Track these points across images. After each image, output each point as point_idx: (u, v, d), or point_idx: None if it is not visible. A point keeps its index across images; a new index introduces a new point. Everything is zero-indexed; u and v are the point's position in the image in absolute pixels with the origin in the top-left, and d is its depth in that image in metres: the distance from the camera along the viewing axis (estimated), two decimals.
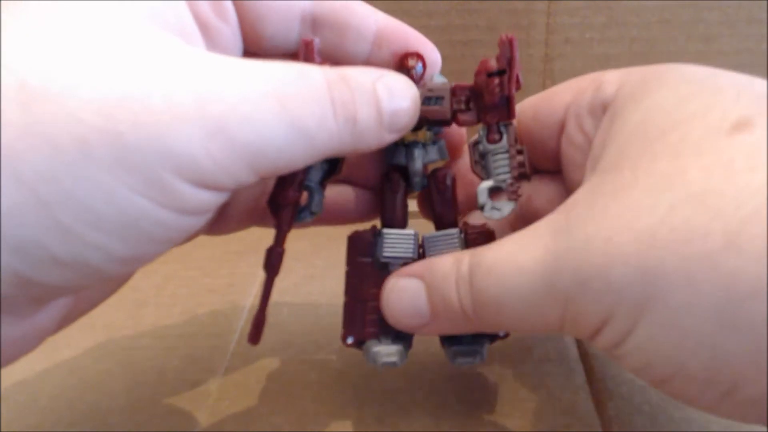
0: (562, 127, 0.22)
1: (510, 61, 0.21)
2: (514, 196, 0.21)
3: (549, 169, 0.24)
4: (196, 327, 0.32)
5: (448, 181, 0.24)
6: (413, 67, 0.22)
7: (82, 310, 0.20)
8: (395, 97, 0.19)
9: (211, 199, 0.17)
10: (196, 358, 0.30)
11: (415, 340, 0.24)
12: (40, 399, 0.27)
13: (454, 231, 0.23)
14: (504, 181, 0.22)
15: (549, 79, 0.39)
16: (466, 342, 0.23)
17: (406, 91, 0.20)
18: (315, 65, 0.19)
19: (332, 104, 0.18)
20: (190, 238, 0.22)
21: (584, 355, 0.29)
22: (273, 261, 0.22)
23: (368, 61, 0.22)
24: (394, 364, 0.23)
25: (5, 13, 0.15)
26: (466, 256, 0.20)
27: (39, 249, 0.14)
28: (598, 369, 0.28)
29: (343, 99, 0.18)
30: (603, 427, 0.25)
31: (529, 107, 0.23)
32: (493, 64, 0.21)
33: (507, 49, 0.21)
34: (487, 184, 0.22)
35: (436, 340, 0.24)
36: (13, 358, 0.18)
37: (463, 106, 0.22)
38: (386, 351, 0.23)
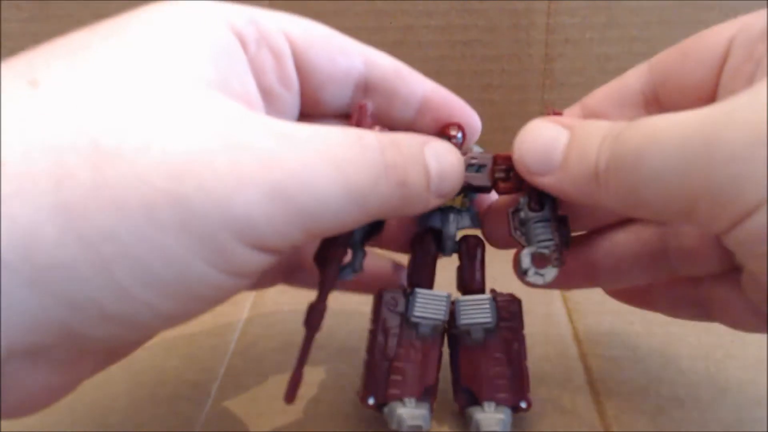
0: (722, 63, 0.20)
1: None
2: (559, 263, 0.22)
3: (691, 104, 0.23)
4: (196, 327, 0.32)
5: (479, 249, 0.24)
6: (454, 137, 0.22)
7: (119, 356, 0.20)
8: (442, 163, 0.20)
9: (264, 261, 0.17)
10: (196, 358, 0.30)
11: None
12: None
13: (486, 297, 0.23)
14: (548, 248, 0.22)
15: (549, 79, 0.39)
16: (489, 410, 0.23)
17: (452, 157, 0.20)
18: (368, 130, 0.19)
19: (385, 168, 0.18)
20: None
21: (584, 355, 0.29)
22: (315, 319, 0.22)
23: (412, 126, 0.23)
24: (419, 428, 0.22)
25: (71, 66, 0.15)
26: (623, 124, 0.18)
27: (91, 304, 0.14)
28: (598, 369, 0.28)
29: (395, 162, 0.18)
30: (603, 427, 0.25)
31: (675, 50, 0.22)
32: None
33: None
34: (530, 250, 0.22)
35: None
36: (51, 402, 0.18)
37: (503, 175, 0.22)
38: (411, 414, 0.22)
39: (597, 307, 0.33)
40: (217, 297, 0.17)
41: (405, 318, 0.23)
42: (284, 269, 0.26)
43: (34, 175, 0.13)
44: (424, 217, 0.24)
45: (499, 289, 0.25)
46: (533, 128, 0.20)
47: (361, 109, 0.21)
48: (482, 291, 0.24)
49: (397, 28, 0.37)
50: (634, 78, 0.22)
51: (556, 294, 0.34)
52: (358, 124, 0.21)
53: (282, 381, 0.28)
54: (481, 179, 0.22)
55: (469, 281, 0.24)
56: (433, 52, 0.38)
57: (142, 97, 0.15)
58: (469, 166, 0.22)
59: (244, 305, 0.34)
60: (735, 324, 0.22)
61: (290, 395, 0.21)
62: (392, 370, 0.22)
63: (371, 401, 0.22)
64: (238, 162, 0.15)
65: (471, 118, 0.23)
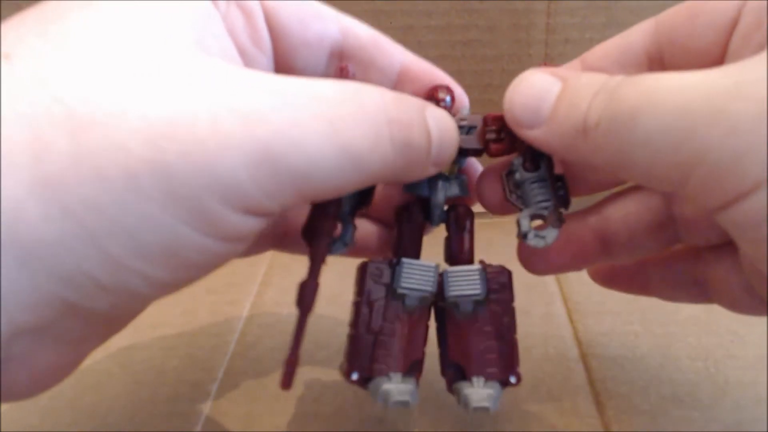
0: (731, 27, 0.19)
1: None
2: (559, 223, 0.21)
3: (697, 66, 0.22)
4: (196, 327, 0.32)
5: (468, 219, 0.23)
6: (443, 99, 0.22)
7: (121, 326, 0.20)
8: (441, 129, 0.19)
9: (255, 225, 0.16)
10: (196, 358, 0.30)
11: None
12: (40, 399, 0.27)
13: (476, 268, 0.22)
14: (546, 208, 0.21)
15: None
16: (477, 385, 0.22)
17: (449, 123, 0.20)
18: (370, 85, 0.18)
19: (389, 125, 0.17)
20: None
21: (584, 355, 0.29)
22: (307, 297, 0.21)
23: None
24: (406, 403, 0.21)
25: (44, 37, 0.15)
26: (618, 77, 0.17)
27: (84, 277, 0.14)
28: (598, 369, 0.28)
29: (400, 118, 0.17)
30: (603, 427, 0.25)
31: (684, 8, 0.20)
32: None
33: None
34: (528, 212, 0.21)
35: (435, 337, 0.24)
36: (58, 380, 0.18)
37: (494, 136, 0.21)
38: (398, 389, 0.21)
39: (597, 307, 0.33)
40: (210, 262, 0.17)
41: (391, 290, 0.22)
42: (273, 235, 0.25)
43: (10, 149, 0.13)
44: (411, 186, 0.22)
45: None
46: (525, 78, 0.19)
47: (342, 71, 0.21)
48: (471, 262, 0.23)
49: (397, 28, 0.37)
50: (639, 35, 0.21)
51: (556, 294, 0.34)
52: None
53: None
54: (471, 141, 0.21)
55: (458, 252, 0.23)
56: (433, 52, 0.38)
57: (119, 62, 0.15)
58: (459, 128, 0.21)
59: (244, 305, 0.34)
60: (733, 304, 0.22)
61: (286, 380, 0.20)
62: (377, 344, 0.21)
63: (355, 376, 0.21)
64: (220, 123, 0.14)
65: (454, 87, 0.23)
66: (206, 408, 0.27)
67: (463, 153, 0.22)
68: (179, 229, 0.15)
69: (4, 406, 0.27)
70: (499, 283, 0.22)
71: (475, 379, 0.22)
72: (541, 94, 0.19)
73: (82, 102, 0.14)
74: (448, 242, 0.23)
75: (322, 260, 0.21)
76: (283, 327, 0.32)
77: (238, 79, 0.16)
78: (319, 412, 0.26)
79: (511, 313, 0.22)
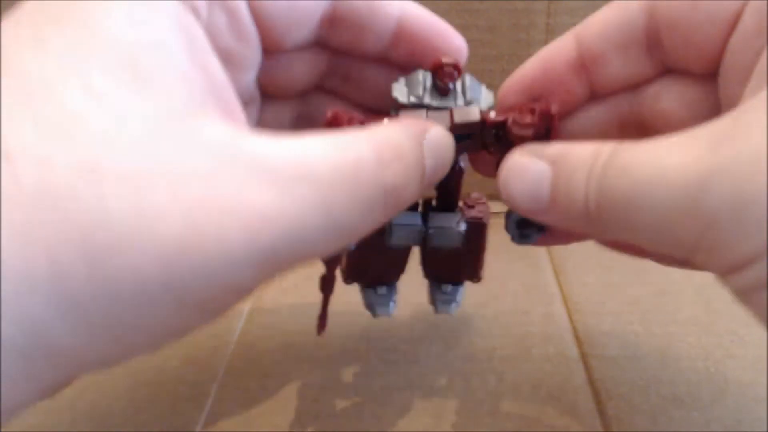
0: (732, 24, 0.18)
1: (549, 133, 0.20)
2: (541, 229, 0.22)
3: (691, 69, 0.20)
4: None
5: (459, 166, 0.23)
6: (449, 76, 0.21)
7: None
8: (438, 158, 0.19)
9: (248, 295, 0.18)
10: (196, 358, 0.30)
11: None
12: None
13: (458, 231, 0.23)
14: None
15: None
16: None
17: (447, 149, 0.20)
18: (364, 140, 0.18)
19: (384, 196, 0.17)
20: None
21: (584, 355, 0.29)
22: (327, 287, 0.23)
23: (385, 58, 0.22)
24: (387, 314, 0.26)
25: (38, 127, 0.14)
26: (608, 147, 0.17)
27: (99, 363, 0.16)
28: (598, 369, 0.28)
29: (395, 185, 0.17)
30: (603, 427, 0.25)
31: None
32: (522, 120, 0.20)
33: (548, 120, 0.20)
34: (515, 217, 0.22)
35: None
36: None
37: (493, 140, 0.21)
38: (379, 303, 0.26)
39: (597, 307, 0.33)
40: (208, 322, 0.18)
41: (382, 234, 0.23)
42: None
43: (30, 273, 0.14)
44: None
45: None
46: (515, 168, 0.19)
47: (334, 120, 0.20)
48: (454, 208, 0.24)
49: None
50: (637, 12, 0.20)
51: (556, 294, 0.34)
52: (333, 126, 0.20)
53: (282, 381, 0.28)
54: (470, 148, 0.22)
55: (443, 196, 0.24)
56: None
57: (123, 171, 0.14)
58: (457, 136, 0.21)
59: (244, 305, 0.34)
60: None
61: (320, 328, 0.24)
62: (368, 265, 0.25)
63: (350, 282, 0.25)
64: (226, 236, 0.15)
65: (453, 44, 0.22)
66: (206, 408, 0.27)
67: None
68: (186, 320, 0.16)
69: None
70: (474, 234, 0.24)
71: (443, 286, 0.26)
72: (534, 183, 0.19)
73: (97, 229, 0.14)
74: (439, 191, 0.24)
75: (338, 258, 0.23)
76: (283, 327, 0.32)
77: (235, 170, 0.15)
78: (319, 412, 0.26)
79: (482, 246, 0.25)
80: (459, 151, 0.21)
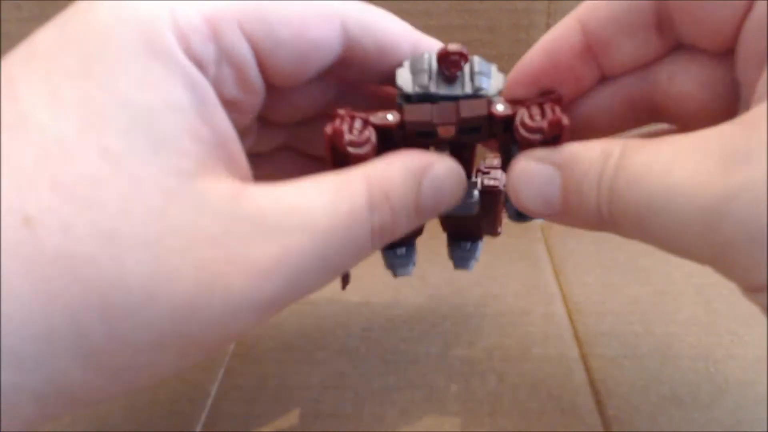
0: (746, 10, 0.18)
1: (557, 139, 0.19)
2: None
3: (705, 48, 0.19)
4: None
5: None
6: (456, 65, 0.20)
7: None
8: (438, 194, 0.19)
9: None
10: None
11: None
12: None
13: (475, 200, 0.23)
14: None
15: None
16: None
17: (453, 187, 0.20)
18: (359, 184, 0.18)
19: (371, 234, 0.18)
20: None
21: (584, 355, 0.29)
22: (344, 279, 0.23)
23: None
24: (407, 274, 0.25)
25: (58, 191, 0.15)
26: (617, 149, 0.17)
27: (98, 395, 0.17)
28: (598, 369, 0.28)
29: (383, 224, 0.18)
30: (603, 427, 0.25)
31: None
32: (530, 123, 0.19)
33: (557, 129, 0.19)
34: (514, 208, 0.22)
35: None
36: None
37: (501, 131, 0.21)
38: (401, 264, 0.25)
39: (597, 307, 0.33)
40: None
41: None
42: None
43: (54, 337, 0.15)
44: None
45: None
46: (523, 174, 0.19)
47: (333, 137, 0.19)
48: (469, 177, 0.23)
49: None
50: None
51: (556, 294, 0.34)
52: (332, 149, 0.20)
53: (282, 381, 0.28)
54: (476, 140, 0.21)
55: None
56: None
57: (140, 238, 0.15)
58: (461, 128, 0.20)
59: None
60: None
61: (344, 284, 0.24)
62: None
63: None
64: (232, 293, 0.16)
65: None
66: (206, 408, 0.27)
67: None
68: (188, 360, 0.17)
69: None
70: (489, 200, 0.24)
71: (462, 243, 0.26)
72: (544, 189, 0.19)
73: (115, 291, 0.15)
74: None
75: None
76: (284, 327, 0.32)
77: (238, 229, 0.16)
78: (319, 412, 0.26)
79: (499, 208, 0.25)
80: (467, 141, 0.21)
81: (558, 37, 0.20)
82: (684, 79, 0.20)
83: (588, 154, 0.18)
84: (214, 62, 0.17)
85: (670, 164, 0.15)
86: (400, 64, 0.20)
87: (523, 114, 0.19)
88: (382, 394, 0.27)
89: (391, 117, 0.20)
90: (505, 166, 0.23)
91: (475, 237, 0.26)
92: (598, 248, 0.38)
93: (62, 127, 0.15)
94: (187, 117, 0.16)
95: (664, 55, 0.20)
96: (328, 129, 0.19)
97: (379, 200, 0.18)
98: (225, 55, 0.18)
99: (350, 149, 0.19)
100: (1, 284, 0.14)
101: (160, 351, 0.16)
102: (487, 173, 0.24)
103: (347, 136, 0.19)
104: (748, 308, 0.17)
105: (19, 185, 0.14)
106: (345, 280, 0.23)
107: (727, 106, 0.19)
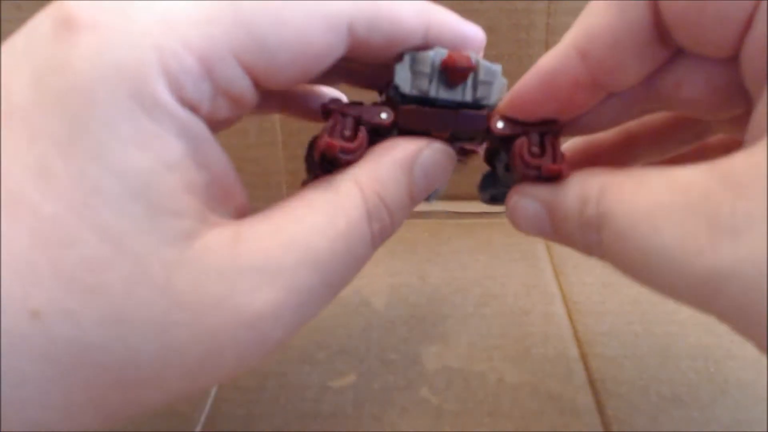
0: (746, 24, 0.17)
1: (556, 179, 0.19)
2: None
3: (711, 56, 0.18)
4: None
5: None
6: (462, 74, 0.19)
7: None
8: (430, 177, 0.19)
9: None
10: None
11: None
12: None
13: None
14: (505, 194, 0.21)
15: None
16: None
17: (443, 167, 0.20)
18: (353, 196, 0.18)
19: (371, 240, 0.18)
20: None
21: (584, 355, 0.29)
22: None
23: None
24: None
25: (66, 286, 0.15)
26: (594, 193, 0.17)
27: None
28: (598, 369, 0.28)
29: (382, 228, 0.18)
30: (603, 427, 0.25)
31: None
32: (529, 159, 0.19)
33: (554, 174, 0.19)
34: (489, 188, 0.22)
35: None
36: None
37: (498, 144, 0.21)
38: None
39: (597, 307, 0.33)
40: None
41: None
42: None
43: (75, 410, 0.15)
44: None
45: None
46: (516, 209, 0.20)
47: (328, 149, 0.18)
48: None
49: None
50: (642, 11, 0.18)
51: (556, 294, 0.34)
52: (333, 130, 0.19)
53: (282, 381, 0.28)
54: (471, 143, 0.21)
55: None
56: None
57: (146, 318, 0.15)
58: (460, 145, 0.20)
59: None
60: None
61: None
62: None
63: None
64: (244, 344, 0.16)
65: (475, 44, 0.20)
66: (206, 408, 0.27)
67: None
68: (192, 396, 0.19)
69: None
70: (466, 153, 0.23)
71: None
72: (536, 222, 0.19)
73: (126, 367, 0.15)
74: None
75: None
76: None
77: (242, 283, 0.16)
78: (319, 412, 0.26)
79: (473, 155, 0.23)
80: (462, 146, 0.21)
81: (557, 69, 0.19)
82: (691, 86, 0.19)
83: (565, 201, 0.18)
84: (208, 99, 0.16)
85: (656, 223, 0.15)
86: (399, 58, 0.19)
87: (522, 145, 0.19)
88: (382, 394, 0.27)
89: (384, 116, 0.19)
90: (488, 159, 0.22)
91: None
92: None
93: (56, 207, 0.14)
94: (182, 171, 0.15)
95: (668, 60, 0.19)
96: (322, 143, 0.18)
97: (375, 206, 0.18)
98: (220, 90, 0.16)
99: (342, 156, 0.18)
100: (16, 373, 0.14)
101: (173, 401, 0.17)
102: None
103: (339, 145, 0.18)
104: None
105: (20, 274, 0.14)
106: None
107: (738, 105, 0.19)
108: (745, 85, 0.18)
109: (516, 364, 0.29)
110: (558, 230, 0.19)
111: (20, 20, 0.15)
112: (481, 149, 0.23)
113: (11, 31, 0.16)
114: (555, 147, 0.19)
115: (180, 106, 0.15)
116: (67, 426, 0.15)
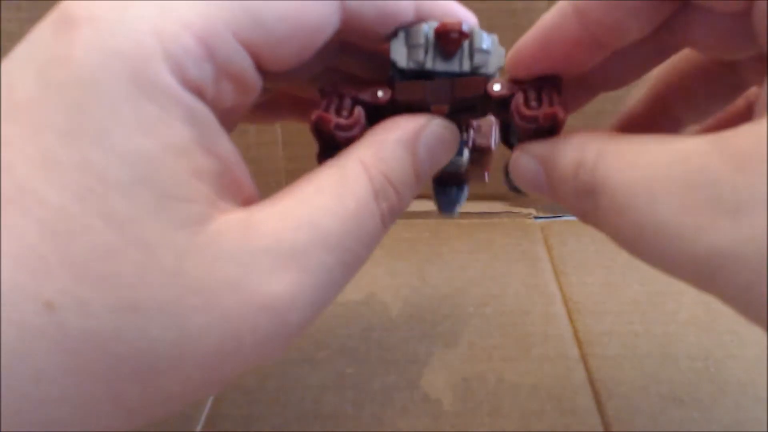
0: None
1: (553, 129, 0.19)
2: None
3: (722, 9, 0.18)
4: None
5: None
6: (451, 51, 0.19)
7: None
8: (435, 154, 0.19)
9: None
10: None
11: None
12: None
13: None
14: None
15: None
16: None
17: (447, 145, 0.20)
18: (358, 175, 0.18)
19: (382, 221, 0.18)
20: None
21: (584, 355, 0.29)
22: None
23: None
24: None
25: (79, 277, 0.14)
26: (590, 156, 0.16)
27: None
28: (598, 369, 0.28)
29: (390, 204, 0.18)
30: (603, 427, 0.25)
31: None
32: (526, 111, 0.19)
33: (553, 121, 0.18)
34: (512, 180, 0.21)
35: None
36: None
37: (496, 110, 0.20)
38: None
39: (597, 307, 0.33)
40: None
41: None
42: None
43: (95, 401, 0.15)
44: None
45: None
46: (515, 165, 0.20)
47: (320, 121, 0.18)
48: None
49: None
50: None
51: (556, 294, 0.34)
52: (328, 108, 0.19)
53: (282, 382, 0.28)
54: (475, 115, 0.21)
55: None
56: None
57: (160, 304, 0.15)
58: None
59: None
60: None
61: None
62: None
63: None
64: (261, 330, 0.16)
65: (466, 18, 0.20)
66: (206, 408, 0.27)
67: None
68: (211, 393, 0.19)
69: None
70: (480, 155, 0.23)
71: (447, 189, 0.25)
72: (533, 179, 0.19)
73: (144, 356, 0.15)
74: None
75: None
76: None
77: (255, 266, 0.16)
78: (319, 412, 0.26)
79: (487, 160, 0.24)
80: (462, 119, 0.20)
81: (554, 27, 0.19)
82: (700, 41, 0.19)
83: (561, 161, 0.17)
84: (212, 82, 0.16)
85: (653, 195, 0.15)
86: (394, 34, 0.19)
87: (519, 99, 0.19)
88: (382, 394, 0.27)
89: (381, 93, 0.19)
90: (504, 137, 0.22)
91: (461, 183, 0.25)
92: (598, 248, 0.38)
93: (62, 196, 0.14)
94: (190, 157, 0.15)
95: (674, 14, 0.19)
96: (313, 116, 0.18)
97: (381, 185, 0.18)
98: (223, 72, 0.16)
99: (339, 133, 0.18)
100: (32, 368, 0.14)
101: (195, 395, 0.16)
102: (479, 130, 0.23)
103: (335, 120, 0.18)
104: None
105: (31, 266, 0.14)
106: None
107: (754, 49, 0.18)
108: (758, 43, 0.17)
109: (516, 364, 0.29)
110: (555, 191, 0.18)
111: (20, 20, 0.15)
112: (493, 140, 0.22)
113: (11, 31, 0.16)
114: (553, 98, 0.18)
115: (183, 89, 0.15)
116: (86, 424, 0.15)
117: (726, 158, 0.14)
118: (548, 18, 0.19)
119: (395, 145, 0.18)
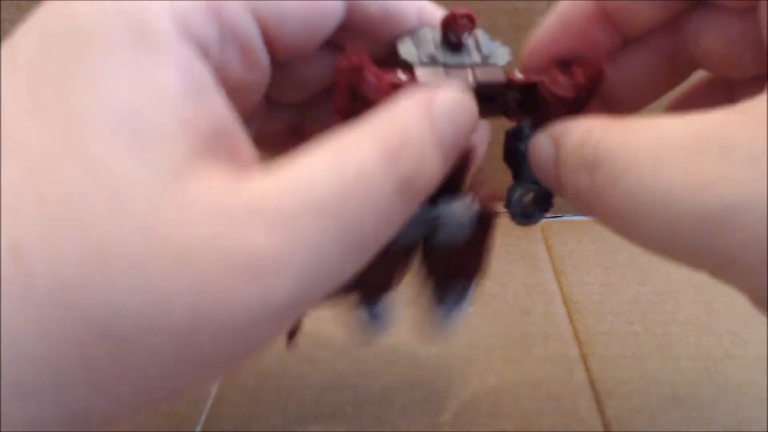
0: None
1: (580, 105, 0.18)
2: (545, 208, 0.20)
3: (731, 5, 0.18)
4: None
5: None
6: (461, 37, 0.19)
7: None
8: (455, 126, 0.17)
9: None
10: None
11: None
12: None
13: (465, 222, 0.21)
14: (537, 190, 0.20)
15: None
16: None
17: (466, 114, 0.18)
18: (362, 138, 0.16)
19: (400, 191, 0.16)
20: None
21: (584, 355, 0.29)
22: (292, 332, 0.22)
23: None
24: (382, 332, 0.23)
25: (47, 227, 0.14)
26: (599, 127, 0.16)
27: (107, 416, 0.16)
28: (598, 369, 0.28)
29: (408, 174, 0.16)
30: (603, 427, 0.25)
31: None
32: (562, 80, 0.19)
33: (596, 77, 0.18)
34: (520, 188, 0.21)
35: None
36: None
37: (515, 105, 0.20)
38: (372, 324, 0.23)
39: (597, 307, 0.33)
40: None
41: None
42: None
43: (63, 364, 0.14)
44: None
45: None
46: (534, 145, 0.19)
47: (354, 70, 0.17)
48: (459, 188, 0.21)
49: None
50: None
51: (556, 294, 0.34)
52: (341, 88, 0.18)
53: (282, 381, 0.28)
54: (491, 110, 0.20)
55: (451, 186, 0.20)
56: None
57: (128, 258, 0.14)
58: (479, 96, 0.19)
59: None
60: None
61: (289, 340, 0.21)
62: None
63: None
64: (241, 297, 0.15)
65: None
66: (206, 408, 0.27)
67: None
68: (204, 380, 0.17)
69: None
70: (484, 227, 0.21)
71: (445, 299, 0.23)
72: (545, 158, 0.18)
73: (112, 316, 0.14)
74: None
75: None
76: None
77: (239, 224, 0.15)
78: (319, 412, 0.26)
79: (490, 238, 0.22)
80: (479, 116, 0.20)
81: (573, 7, 0.20)
82: (710, 38, 0.19)
83: (569, 137, 0.17)
84: (217, 42, 0.16)
85: (659, 156, 0.14)
86: (400, 38, 0.19)
87: (546, 77, 0.19)
88: (382, 394, 0.27)
89: (403, 76, 0.18)
90: (508, 156, 0.21)
91: (462, 275, 0.23)
92: (598, 248, 0.38)
93: (45, 140, 0.14)
94: (178, 106, 0.15)
95: (686, 10, 0.19)
96: (344, 61, 0.17)
97: (395, 149, 0.16)
98: (229, 34, 0.16)
99: (367, 88, 0.17)
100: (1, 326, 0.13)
101: (171, 374, 0.15)
102: (477, 193, 0.21)
103: (369, 76, 0.17)
104: (748, 308, 0.17)
105: (6, 205, 0.13)
106: (292, 333, 0.21)
107: (755, 64, 0.18)
108: (761, 35, 0.17)
109: (516, 364, 0.29)
110: (558, 171, 0.18)
111: (20, 20, 0.15)
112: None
113: (11, 32, 0.16)
114: (581, 74, 0.19)
115: (183, 41, 0.15)
116: (59, 392, 0.14)
117: (741, 116, 0.14)
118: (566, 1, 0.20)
119: (409, 108, 0.17)
